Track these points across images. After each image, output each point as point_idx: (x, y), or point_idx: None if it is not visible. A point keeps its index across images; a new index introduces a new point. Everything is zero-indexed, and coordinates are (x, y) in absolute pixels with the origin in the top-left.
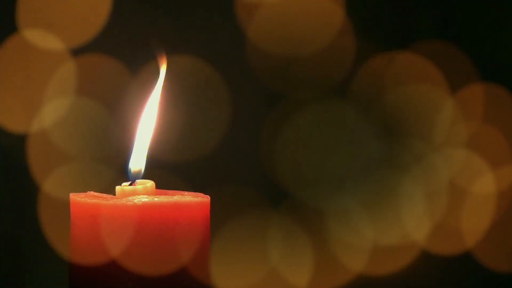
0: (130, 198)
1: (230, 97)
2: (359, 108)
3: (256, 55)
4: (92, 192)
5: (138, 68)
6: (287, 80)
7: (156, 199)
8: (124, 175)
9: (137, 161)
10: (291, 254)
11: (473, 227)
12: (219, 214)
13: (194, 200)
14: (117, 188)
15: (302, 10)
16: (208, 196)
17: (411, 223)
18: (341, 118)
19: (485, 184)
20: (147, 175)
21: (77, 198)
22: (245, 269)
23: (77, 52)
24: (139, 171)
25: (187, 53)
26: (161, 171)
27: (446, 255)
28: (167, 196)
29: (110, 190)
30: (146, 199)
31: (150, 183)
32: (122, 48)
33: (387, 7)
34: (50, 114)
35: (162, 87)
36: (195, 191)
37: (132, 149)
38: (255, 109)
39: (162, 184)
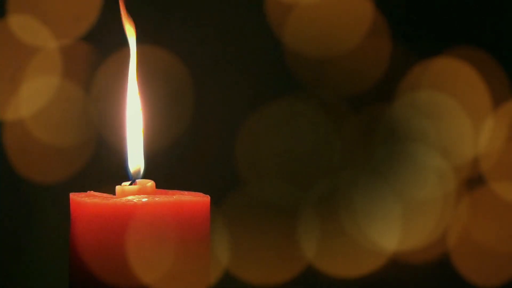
0: (130, 197)
1: (256, 97)
2: (386, 110)
3: (291, 55)
4: (92, 192)
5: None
6: (319, 81)
7: (156, 199)
8: (100, 159)
9: (136, 160)
10: (291, 254)
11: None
12: (219, 214)
13: (194, 199)
14: (117, 188)
15: (336, 11)
16: (208, 196)
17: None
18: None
19: (487, 193)
20: (147, 175)
21: (77, 198)
22: (245, 269)
23: (60, 41)
24: (139, 171)
25: (212, 51)
26: (161, 171)
27: (421, 262)
28: (167, 196)
29: (87, 176)
30: (146, 199)
31: (150, 183)
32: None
33: (425, 10)
34: (28, 101)
35: (137, 69)
36: (195, 191)
37: (127, 147)
38: (263, 109)
39: (162, 184)
